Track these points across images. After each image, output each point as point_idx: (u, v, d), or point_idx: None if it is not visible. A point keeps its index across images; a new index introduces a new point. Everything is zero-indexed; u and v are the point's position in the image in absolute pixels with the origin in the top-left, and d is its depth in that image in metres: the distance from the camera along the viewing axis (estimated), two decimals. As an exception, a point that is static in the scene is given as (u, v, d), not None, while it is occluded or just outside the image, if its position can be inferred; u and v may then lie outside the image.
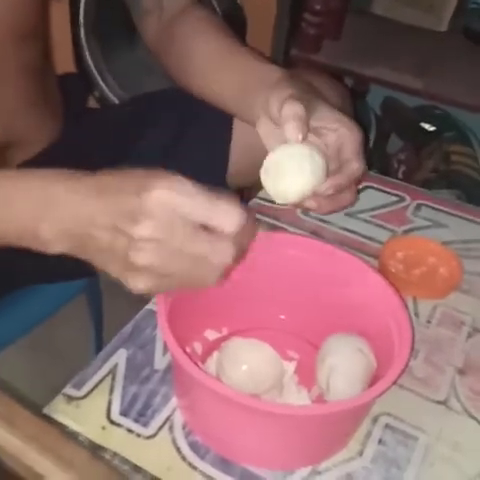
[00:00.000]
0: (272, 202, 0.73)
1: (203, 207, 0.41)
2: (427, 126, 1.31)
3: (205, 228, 0.42)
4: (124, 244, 0.41)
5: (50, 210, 0.43)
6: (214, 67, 0.67)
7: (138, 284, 0.42)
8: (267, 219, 0.72)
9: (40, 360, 1.16)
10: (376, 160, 1.37)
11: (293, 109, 0.54)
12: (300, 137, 0.54)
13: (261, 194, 0.74)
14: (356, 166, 0.58)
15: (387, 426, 0.50)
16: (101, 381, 0.52)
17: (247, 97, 0.62)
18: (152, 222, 0.40)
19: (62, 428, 0.47)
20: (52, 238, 0.43)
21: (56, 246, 0.44)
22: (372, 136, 1.39)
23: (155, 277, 0.42)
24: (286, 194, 0.55)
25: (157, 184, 0.40)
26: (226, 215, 0.42)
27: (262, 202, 0.73)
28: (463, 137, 1.26)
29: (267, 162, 0.55)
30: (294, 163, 0.53)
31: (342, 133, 0.58)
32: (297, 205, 0.58)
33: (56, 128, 0.78)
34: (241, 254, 0.44)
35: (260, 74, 0.62)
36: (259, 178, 0.56)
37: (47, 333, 1.17)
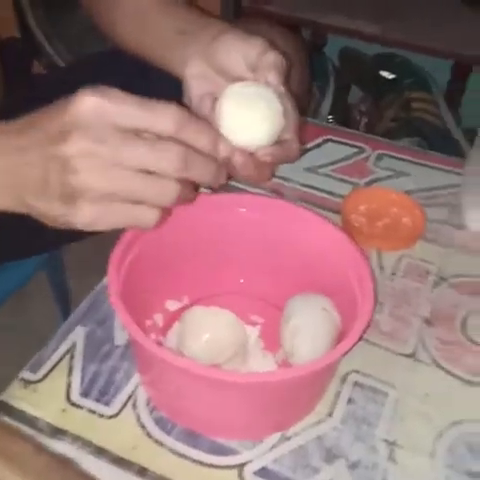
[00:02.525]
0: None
1: (135, 109, 0.38)
2: (386, 74, 1.29)
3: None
4: (58, 171, 0.38)
5: None
6: (144, 15, 0.63)
7: (83, 214, 0.39)
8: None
9: (5, 346, 1.13)
10: (337, 112, 1.35)
11: (273, 58, 0.50)
12: (282, 89, 0.49)
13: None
14: (294, 148, 0.50)
15: (356, 384, 0.49)
16: (59, 362, 0.50)
17: (183, 39, 0.57)
18: (80, 133, 0.38)
19: (20, 417, 0.45)
20: None
21: None
22: (331, 88, 1.36)
23: (97, 200, 0.39)
24: (255, 134, 0.47)
25: (81, 95, 0.38)
26: (162, 113, 0.39)
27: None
28: (423, 83, 1.24)
29: (225, 100, 0.47)
30: (261, 102, 0.47)
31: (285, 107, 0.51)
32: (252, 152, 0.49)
33: None
34: (190, 163, 0.40)
35: (204, 21, 0.58)
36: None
37: (11, 318, 1.14)
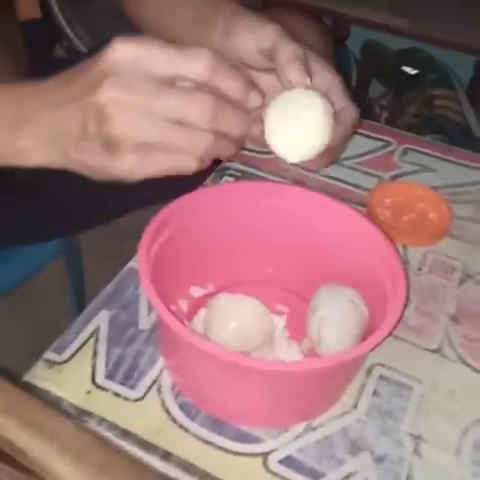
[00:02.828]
0: (253, 151, 0.70)
1: (169, 56, 0.39)
2: (409, 69, 1.28)
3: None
4: (94, 120, 0.39)
5: (25, 121, 0.41)
6: (167, 4, 0.62)
7: (123, 163, 0.40)
8: (248, 169, 0.69)
9: (22, 329, 1.13)
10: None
11: (291, 49, 0.49)
12: (308, 81, 0.48)
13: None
14: (353, 113, 0.53)
15: (381, 377, 0.49)
16: (83, 344, 0.50)
17: (199, 29, 0.57)
18: (112, 81, 0.38)
19: (45, 397, 0.45)
20: (30, 146, 0.42)
21: (36, 155, 0.42)
22: (353, 82, 1.35)
23: (135, 149, 0.39)
24: (302, 152, 0.46)
25: (115, 44, 0.39)
26: (196, 59, 0.39)
27: (242, 151, 0.70)
28: (446, 80, 1.23)
29: (273, 113, 0.46)
30: (310, 115, 0.46)
31: (326, 77, 0.53)
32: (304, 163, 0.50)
33: (18, 77, 0.73)
34: (221, 113, 0.40)
35: (213, 6, 0.57)
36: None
37: (27, 301, 1.15)
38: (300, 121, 0.46)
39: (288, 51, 0.49)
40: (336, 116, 0.49)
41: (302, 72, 0.48)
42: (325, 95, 0.49)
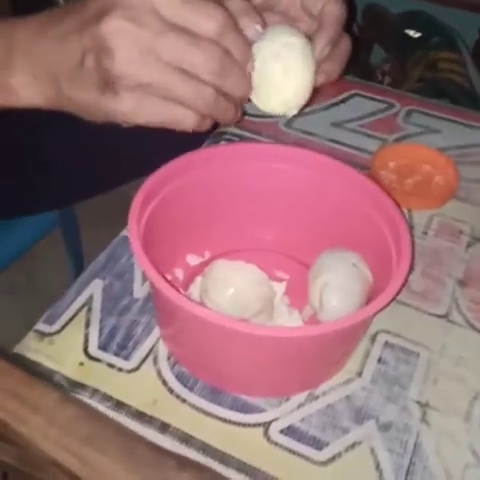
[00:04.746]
0: (252, 115, 0.67)
1: (183, 3, 0.36)
2: (412, 32, 1.23)
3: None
4: (93, 52, 0.36)
5: (17, 52, 0.39)
6: None
7: (120, 103, 0.38)
8: (246, 133, 0.66)
9: (19, 302, 1.12)
10: (359, 73, 1.30)
11: (338, 10, 0.45)
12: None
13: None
14: (333, 7, 0.46)
15: (386, 344, 0.47)
16: (76, 314, 0.48)
17: None
18: (119, 11, 0.35)
19: (36, 369, 0.43)
20: (22, 81, 0.39)
21: (28, 91, 0.40)
22: (354, 47, 1.31)
23: (134, 89, 0.37)
24: (294, 100, 0.43)
25: None
26: (209, 14, 0.37)
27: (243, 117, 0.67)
28: (450, 42, 1.19)
29: (261, 62, 0.41)
30: (297, 58, 0.41)
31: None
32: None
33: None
34: (227, 70, 0.38)
35: None
36: None
37: (24, 273, 1.13)
38: (290, 66, 0.41)
39: (336, 13, 0.45)
40: (319, 19, 0.46)
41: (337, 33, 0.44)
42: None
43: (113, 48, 0.36)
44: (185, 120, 0.39)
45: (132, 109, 0.38)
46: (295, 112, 0.44)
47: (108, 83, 0.37)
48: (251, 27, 0.42)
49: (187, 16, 0.37)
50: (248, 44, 0.40)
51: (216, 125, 0.57)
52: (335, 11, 0.46)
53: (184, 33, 0.37)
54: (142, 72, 0.37)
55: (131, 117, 0.38)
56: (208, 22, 0.37)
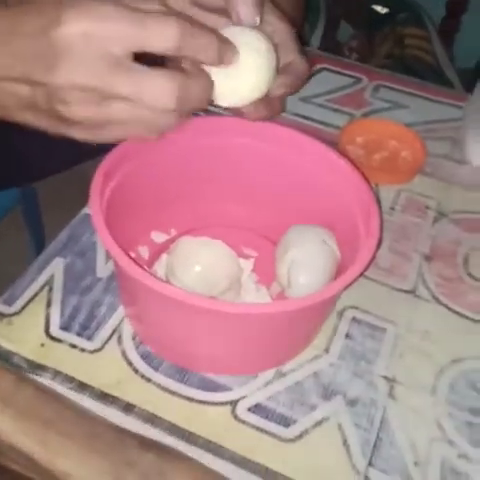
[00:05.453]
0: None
1: (127, 28, 0.34)
2: (379, 8, 1.23)
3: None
4: (45, 97, 0.35)
5: None
6: None
7: (75, 136, 0.37)
8: (211, 108, 0.64)
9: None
10: (326, 49, 1.29)
11: None
12: (257, 20, 0.43)
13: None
14: (303, 66, 0.47)
15: (354, 319, 0.47)
16: (36, 294, 0.46)
17: None
18: (68, 64, 0.33)
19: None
20: None
21: None
22: (322, 23, 1.29)
23: (90, 127, 0.36)
24: (239, 94, 0.43)
25: (66, 18, 0.33)
26: (159, 29, 0.34)
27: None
28: (417, 18, 1.19)
29: None
30: (251, 56, 0.41)
31: (278, 28, 0.47)
32: (237, 109, 0.45)
33: None
34: (189, 87, 0.36)
35: None
36: None
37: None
38: (241, 61, 0.41)
39: None
40: (285, 68, 0.46)
41: (253, 7, 0.43)
42: (275, 46, 0.43)
43: (67, 100, 0.34)
44: (147, 137, 0.39)
45: (90, 138, 0.37)
46: (242, 103, 0.43)
47: (62, 119, 0.36)
48: (249, 14, 0.42)
49: (138, 42, 0.34)
50: (217, 42, 0.38)
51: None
52: (301, 66, 0.47)
53: (135, 68, 0.35)
54: (99, 116, 0.36)
55: (90, 141, 0.38)
56: (163, 38, 0.34)
